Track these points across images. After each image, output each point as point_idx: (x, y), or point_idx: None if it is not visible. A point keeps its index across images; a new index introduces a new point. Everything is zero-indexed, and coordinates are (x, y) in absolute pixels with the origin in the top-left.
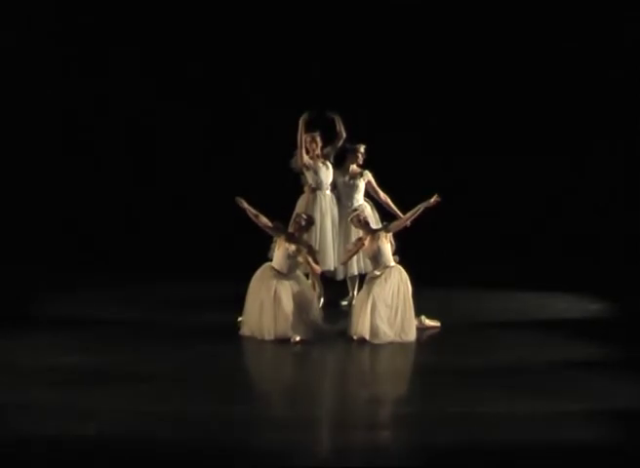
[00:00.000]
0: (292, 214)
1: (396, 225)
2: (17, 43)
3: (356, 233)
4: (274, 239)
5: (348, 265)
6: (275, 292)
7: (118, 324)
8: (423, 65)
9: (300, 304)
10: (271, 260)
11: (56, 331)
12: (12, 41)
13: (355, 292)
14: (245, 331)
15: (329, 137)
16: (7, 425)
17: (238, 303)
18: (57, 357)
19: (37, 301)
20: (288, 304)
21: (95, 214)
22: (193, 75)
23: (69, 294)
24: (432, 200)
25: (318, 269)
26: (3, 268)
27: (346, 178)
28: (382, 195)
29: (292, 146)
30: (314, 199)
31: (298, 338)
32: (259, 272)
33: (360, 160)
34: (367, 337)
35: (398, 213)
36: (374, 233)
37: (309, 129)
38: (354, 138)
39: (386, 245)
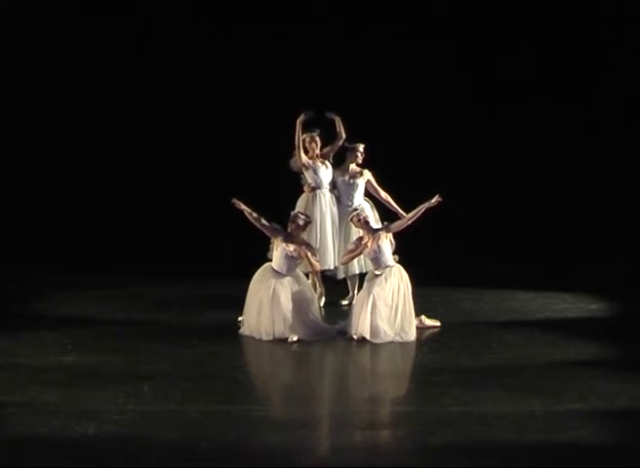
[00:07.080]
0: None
1: (397, 226)
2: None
3: (356, 232)
4: (272, 240)
5: (349, 264)
6: (274, 291)
7: (118, 323)
8: (423, 63)
9: (300, 304)
10: (271, 261)
11: (55, 330)
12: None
13: (355, 292)
14: (245, 330)
15: (328, 138)
16: (7, 425)
17: (238, 303)
18: (56, 357)
19: (37, 301)
20: (286, 304)
21: (94, 213)
22: (195, 73)
23: (69, 294)
24: (434, 200)
25: (318, 266)
26: (2, 268)
27: (346, 178)
28: (383, 194)
29: (291, 146)
30: (314, 199)
31: (295, 338)
32: (258, 272)
33: (359, 159)
34: (367, 337)
35: (400, 211)
36: (374, 233)
37: (309, 129)
38: (353, 137)
39: (387, 244)
